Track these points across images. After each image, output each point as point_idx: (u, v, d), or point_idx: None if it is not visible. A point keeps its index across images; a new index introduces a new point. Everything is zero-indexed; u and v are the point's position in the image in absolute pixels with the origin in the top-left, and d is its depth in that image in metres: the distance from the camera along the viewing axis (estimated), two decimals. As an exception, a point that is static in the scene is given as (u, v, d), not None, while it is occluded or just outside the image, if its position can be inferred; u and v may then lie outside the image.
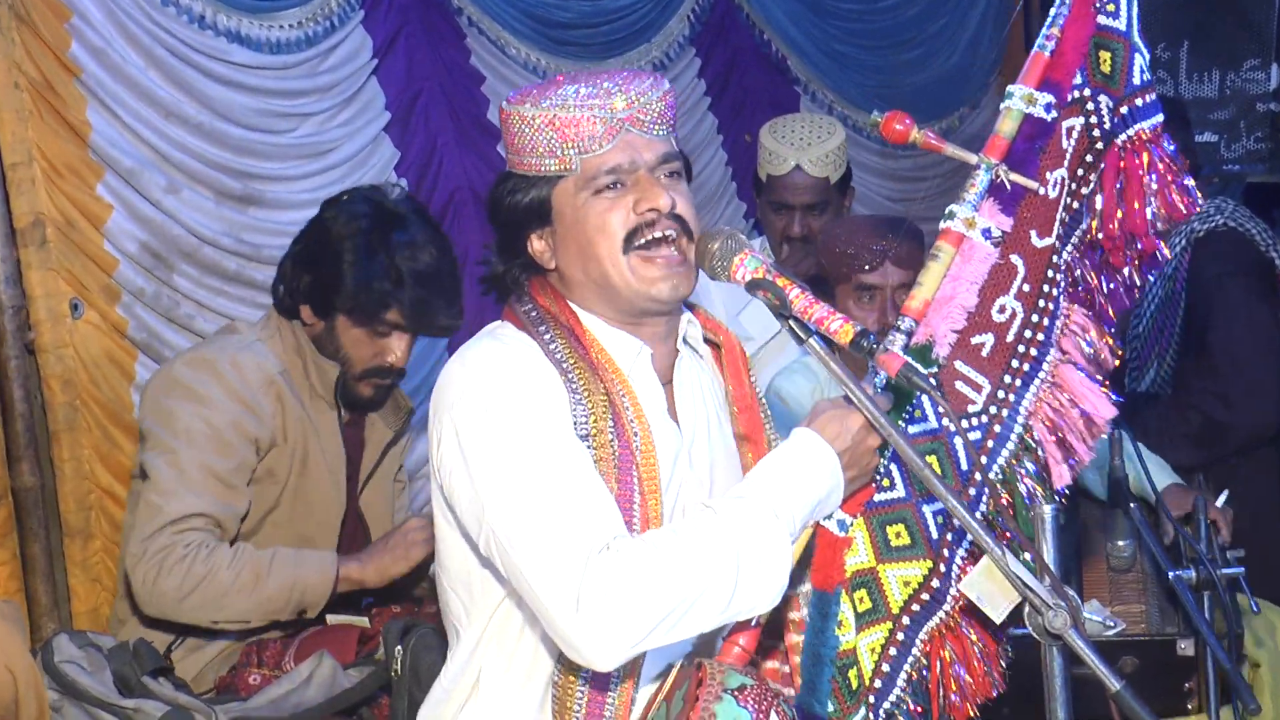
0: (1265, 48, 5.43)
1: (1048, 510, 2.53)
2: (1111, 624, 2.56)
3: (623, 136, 2.57)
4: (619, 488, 2.51)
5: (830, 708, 2.61)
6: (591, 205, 2.58)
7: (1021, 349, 2.70)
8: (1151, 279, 4.45)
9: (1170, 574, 3.23)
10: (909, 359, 2.54)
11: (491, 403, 2.50)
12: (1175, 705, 3.48)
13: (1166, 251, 2.76)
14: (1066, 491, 2.73)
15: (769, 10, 6.02)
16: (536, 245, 2.66)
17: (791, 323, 2.54)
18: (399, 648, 3.19)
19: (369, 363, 3.63)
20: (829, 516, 2.63)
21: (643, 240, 2.58)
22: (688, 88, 5.71)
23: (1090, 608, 2.53)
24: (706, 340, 2.81)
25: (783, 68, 6.05)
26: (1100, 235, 2.70)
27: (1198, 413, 4.44)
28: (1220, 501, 3.76)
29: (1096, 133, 2.70)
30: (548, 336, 2.59)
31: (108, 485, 4.23)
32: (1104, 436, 3.69)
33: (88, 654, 3.32)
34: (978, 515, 2.51)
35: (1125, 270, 2.74)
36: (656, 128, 2.61)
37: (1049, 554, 2.50)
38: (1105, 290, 2.74)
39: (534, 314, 2.63)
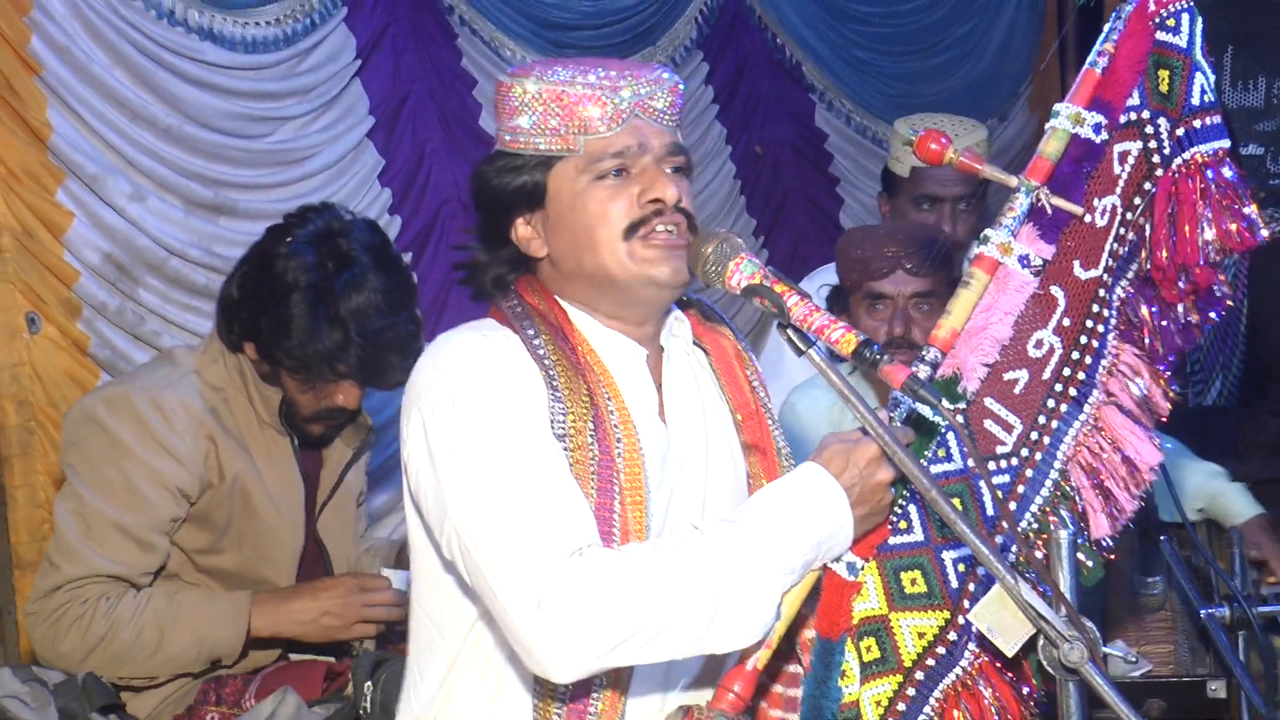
0: (1314, 54, 5.20)
1: (1064, 535, 2.33)
2: (1134, 660, 2.32)
3: (631, 122, 2.44)
4: (598, 495, 2.36)
5: None
6: (592, 192, 2.43)
7: (1059, 388, 2.51)
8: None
9: (1202, 611, 2.99)
10: (914, 371, 2.29)
11: (462, 394, 2.36)
12: None
13: (1226, 287, 2.57)
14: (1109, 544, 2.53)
15: (783, 13, 5.79)
16: (522, 231, 2.50)
17: (790, 332, 2.35)
18: (369, 684, 3.01)
19: (317, 407, 3.41)
20: (838, 559, 2.44)
21: (646, 232, 2.44)
22: (694, 94, 5.48)
23: (1112, 645, 2.31)
24: (695, 343, 2.64)
25: (796, 74, 5.82)
26: (1149, 266, 2.52)
27: (1274, 419, 4.31)
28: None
29: (1156, 159, 2.51)
30: (531, 332, 2.45)
31: (63, 514, 4.01)
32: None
33: (31, 689, 3.16)
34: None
35: (1179, 307, 2.55)
36: (665, 118, 2.48)
37: (1065, 582, 2.32)
38: (1158, 329, 2.54)
39: (519, 309, 2.49)
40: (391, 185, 4.77)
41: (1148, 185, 2.51)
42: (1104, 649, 2.26)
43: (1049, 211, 2.48)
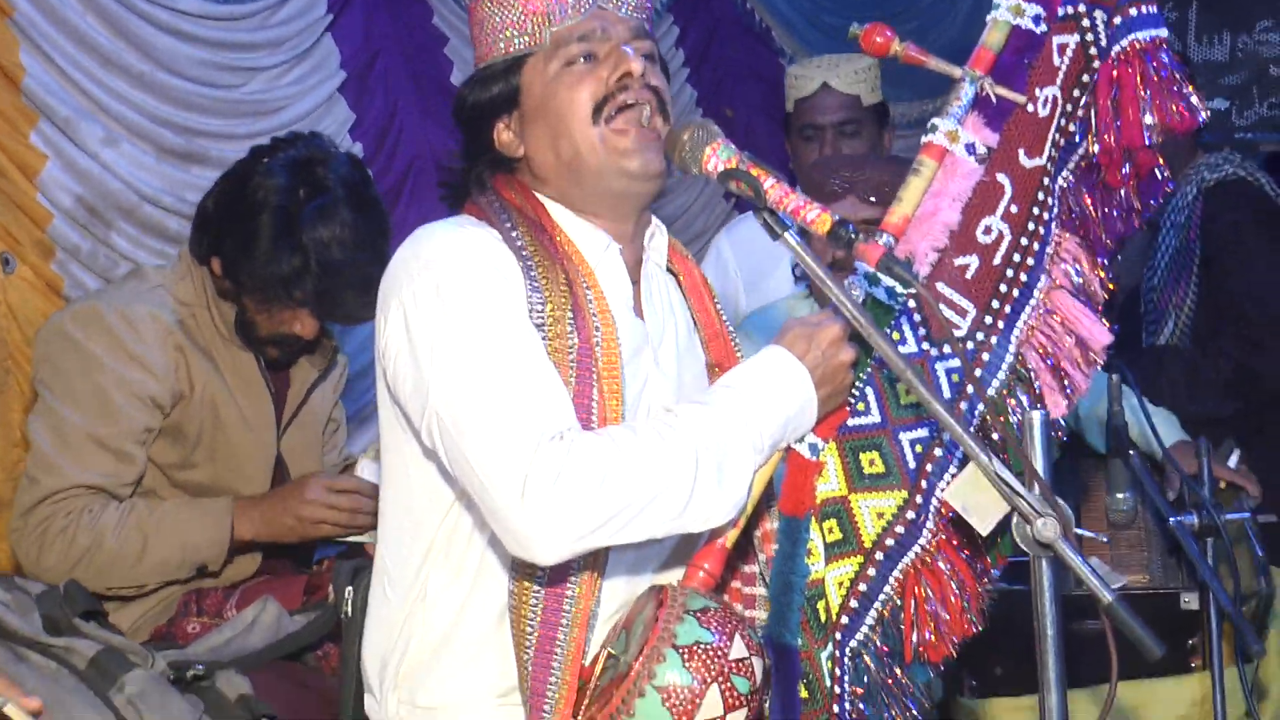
0: (1278, 8, 5.21)
1: (1036, 416, 2.34)
2: (1104, 540, 2.34)
3: (594, 10, 2.48)
4: (576, 382, 2.38)
5: (799, 641, 2.46)
6: (561, 77, 2.47)
7: (1010, 273, 2.56)
8: (1165, 229, 4.35)
9: (1171, 519, 3.02)
10: (890, 248, 2.33)
11: (442, 282, 2.37)
12: (1179, 663, 3.35)
13: (1167, 170, 2.64)
14: (1065, 437, 2.63)
15: (752, -23, 5.81)
16: (504, 136, 2.54)
17: (766, 215, 2.38)
18: (349, 589, 2.98)
19: (274, 330, 3.42)
20: (801, 440, 2.48)
21: (614, 109, 2.46)
22: (665, 57, 5.47)
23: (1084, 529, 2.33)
24: (667, 269, 2.68)
25: (766, 39, 5.84)
26: (1096, 150, 2.58)
27: (1228, 359, 4.36)
28: (1232, 462, 3.55)
29: (1093, 50, 2.58)
30: (509, 225, 2.47)
31: (40, 454, 3.99)
32: (1104, 385, 3.58)
33: (14, 597, 3.15)
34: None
35: (1122, 192, 2.61)
36: (627, 7, 2.51)
37: (1039, 461, 2.31)
38: (1101, 216, 2.61)
39: (496, 204, 2.51)
40: (363, 140, 4.75)
41: (1086, 77, 2.56)
42: (1077, 529, 2.29)
43: (994, 100, 2.53)
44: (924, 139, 2.55)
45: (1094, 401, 3.65)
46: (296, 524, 3.34)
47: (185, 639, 3.23)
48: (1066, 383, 2.55)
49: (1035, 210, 2.55)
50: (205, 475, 3.40)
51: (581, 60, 2.46)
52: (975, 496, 2.27)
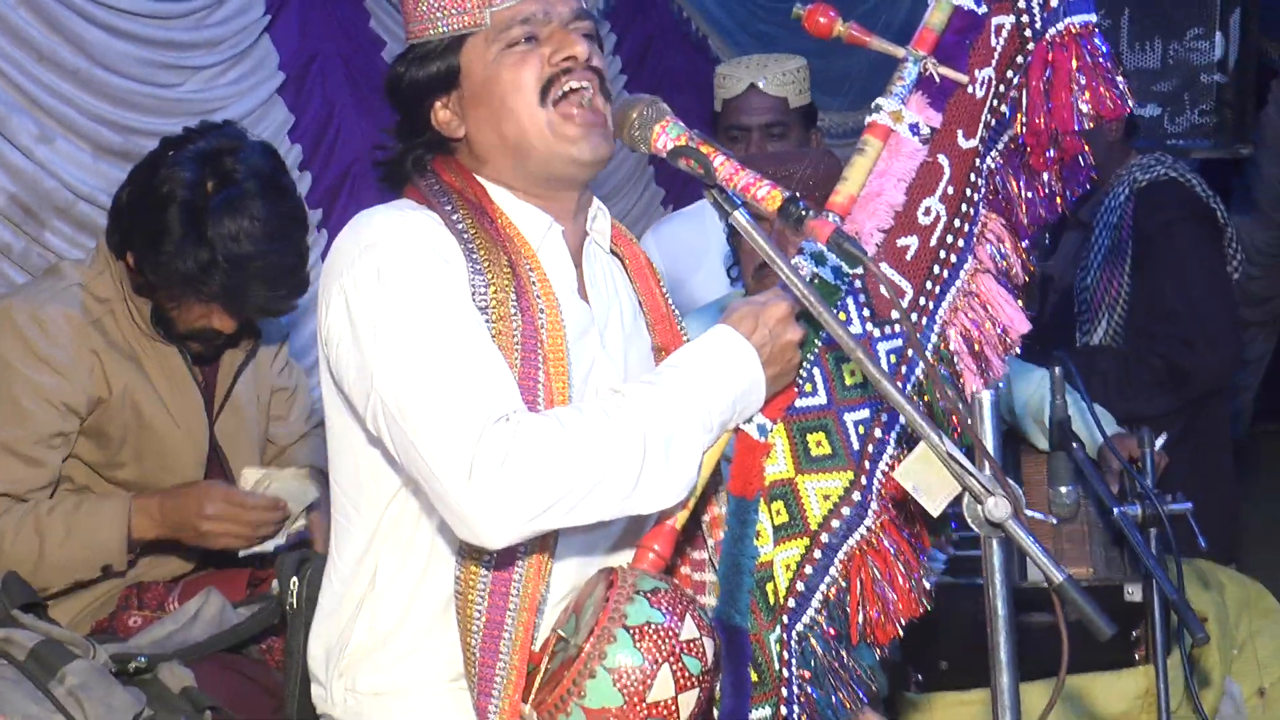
0: (1209, 16, 5.29)
1: (986, 396, 2.34)
2: (1054, 522, 2.33)
3: None
4: (522, 365, 2.35)
5: (748, 623, 2.43)
6: (504, 59, 2.44)
7: (943, 254, 2.57)
8: (1098, 229, 4.39)
9: (1115, 510, 3.03)
10: (838, 225, 2.32)
11: (383, 266, 2.34)
12: (1123, 656, 3.34)
13: (1090, 158, 2.64)
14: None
15: (689, -14, 5.83)
16: (441, 115, 2.50)
17: (715, 193, 2.37)
18: (294, 579, 2.96)
19: (191, 325, 3.33)
20: (749, 420, 2.45)
21: (560, 92, 2.44)
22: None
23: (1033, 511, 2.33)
24: (611, 250, 2.65)
25: (703, 47, 5.84)
26: (1024, 131, 2.59)
27: (1160, 359, 4.36)
28: (1158, 444, 3.57)
29: (1028, 32, 2.58)
30: (449, 208, 2.44)
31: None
32: (1038, 379, 3.60)
33: None
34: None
35: (1045, 175, 2.63)
36: None
37: (988, 441, 2.33)
38: (1025, 200, 2.62)
39: (436, 187, 2.48)
40: (301, 141, 4.74)
41: (1020, 58, 2.57)
42: (1026, 510, 2.29)
43: (937, 80, 2.52)
44: (868, 119, 2.54)
45: (1030, 395, 3.67)
46: (195, 536, 3.26)
47: (127, 632, 3.17)
48: (984, 366, 2.56)
49: (967, 191, 2.56)
50: (133, 474, 3.33)
51: (523, 41, 2.44)
52: (925, 476, 2.23)
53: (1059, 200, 2.64)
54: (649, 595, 2.24)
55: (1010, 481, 2.22)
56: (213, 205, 3.18)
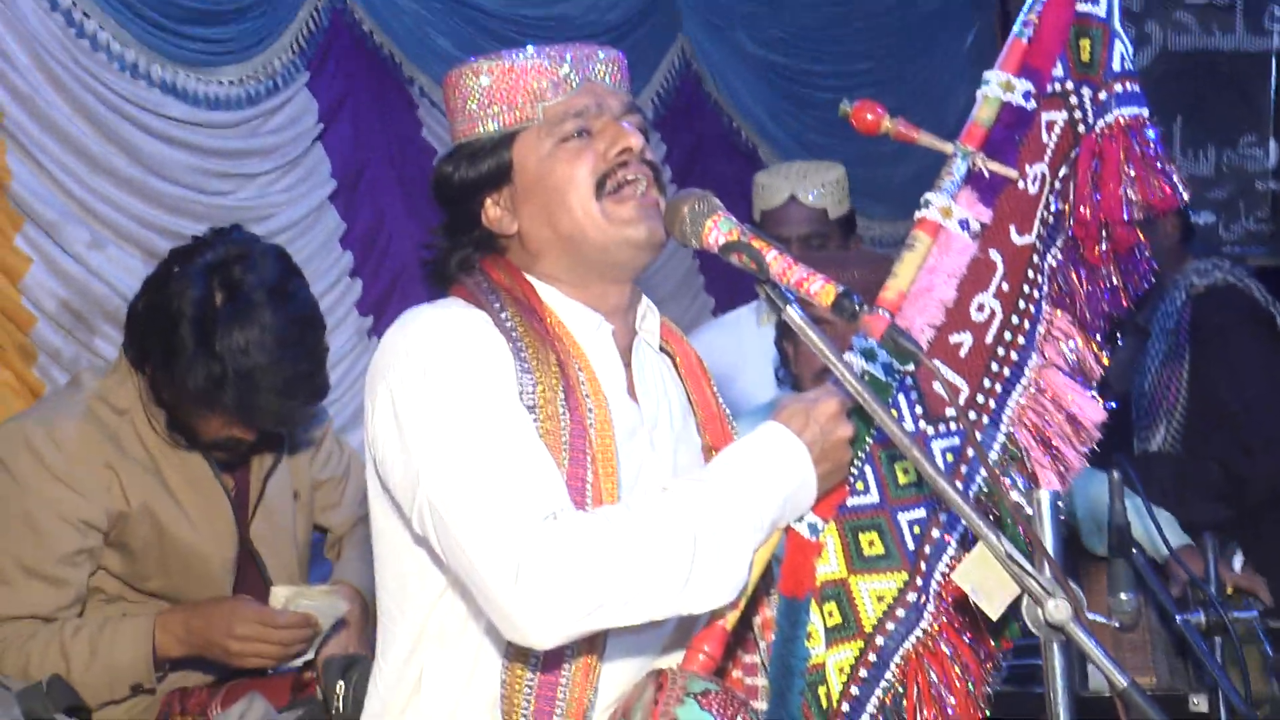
0: (1262, 123, 5.29)
1: (1045, 495, 2.29)
2: (1116, 625, 2.28)
3: (585, 85, 2.45)
4: (570, 464, 2.32)
5: None
6: (557, 154, 2.43)
7: (1001, 351, 2.53)
8: (1154, 334, 4.34)
9: (1178, 617, 2.95)
10: (894, 321, 2.30)
11: (430, 365, 2.32)
12: None
13: (1147, 250, 2.61)
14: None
15: (739, 95, 5.85)
16: (493, 213, 2.48)
17: (768, 289, 2.34)
18: (340, 683, 2.94)
19: (213, 436, 3.27)
20: (800, 519, 2.41)
21: (615, 184, 2.42)
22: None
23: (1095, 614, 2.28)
24: (661, 349, 2.62)
25: (753, 157, 5.85)
26: (1071, 224, 2.57)
27: (1218, 466, 4.31)
28: (1237, 566, 3.50)
29: (1081, 128, 2.58)
30: (497, 306, 2.41)
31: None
32: (1099, 486, 3.53)
33: None
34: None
35: (1104, 269, 2.59)
36: (617, 80, 2.50)
37: (1048, 541, 2.30)
38: (1086, 294, 2.59)
39: (484, 285, 2.45)
40: (353, 248, 4.76)
41: (1073, 154, 2.55)
42: (1088, 614, 2.23)
43: (986, 175, 2.50)
44: (917, 214, 2.52)
45: (1090, 502, 3.60)
46: (225, 656, 3.19)
47: None
48: (1059, 460, 2.51)
49: (1025, 288, 2.53)
50: (161, 585, 3.28)
51: (576, 136, 2.43)
52: (983, 577, 2.17)
53: (1122, 293, 2.59)
54: (699, 697, 2.20)
55: (1071, 583, 2.18)
56: (221, 318, 3.11)
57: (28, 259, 3.98)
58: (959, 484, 2.45)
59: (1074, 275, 2.57)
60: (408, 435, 2.30)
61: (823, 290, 2.29)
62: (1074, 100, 2.56)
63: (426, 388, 2.30)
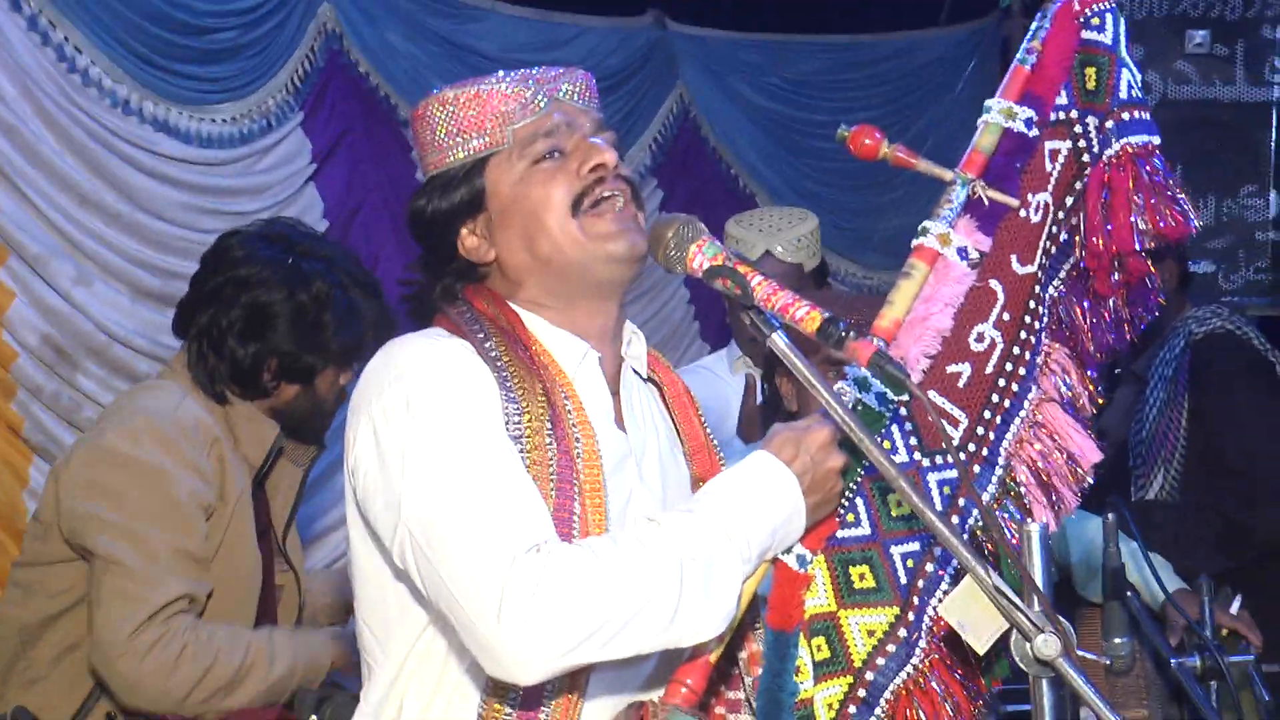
0: (1263, 173, 5.26)
1: (1034, 529, 2.23)
2: (1107, 661, 2.22)
3: (553, 105, 2.40)
4: (557, 495, 2.27)
5: None
6: (530, 177, 2.38)
7: (1003, 383, 2.47)
8: (1153, 381, 4.29)
9: (1173, 662, 2.89)
10: (881, 346, 2.23)
11: (413, 395, 2.26)
12: None
13: (1158, 280, 2.54)
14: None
15: (737, 144, 5.83)
16: (469, 242, 2.43)
17: (752, 314, 2.29)
18: (314, 717, 2.93)
19: (325, 396, 3.38)
20: (788, 551, 2.35)
21: (591, 201, 2.37)
22: (648, 221, 5.47)
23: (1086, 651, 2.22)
24: (648, 378, 2.57)
25: (750, 204, 5.81)
26: (1084, 255, 2.51)
27: (1218, 515, 4.21)
28: (1234, 608, 3.43)
29: (1086, 157, 2.52)
30: (481, 336, 2.36)
31: (-7, 597, 3.85)
32: (1092, 532, 3.48)
33: None
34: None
35: (1112, 302, 2.54)
36: (586, 98, 2.45)
37: (1038, 576, 2.21)
38: (1090, 326, 2.53)
39: (468, 314, 2.41)
40: (344, 289, 4.71)
41: (1078, 184, 2.50)
42: (1079, 650, 2.17)
43: (986, 203, 2.45)
44: (915, 242, 2.47)
45: (1085, 547, 3.55)
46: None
47: None
48: (1055, 498, 2.46)
49: (1027, 319, 2.48)
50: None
51: (548, 157, 2.38)
52: (972, 612, 2.14)
53: (1127, 326, 2.54)
54: None
55: (1061, 619, 2.12)
56: (354, 291, 3.34)
57: (10, 293, 3.95)
58: (956, 519, 2.39)
59: (1077, 308, 2.52)
60: (389, 464, 2.24)
61: (808, 316, 2.23)
62: (1079, 129, 2.51)
63: (409, 417, 2.24)
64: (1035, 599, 2.12)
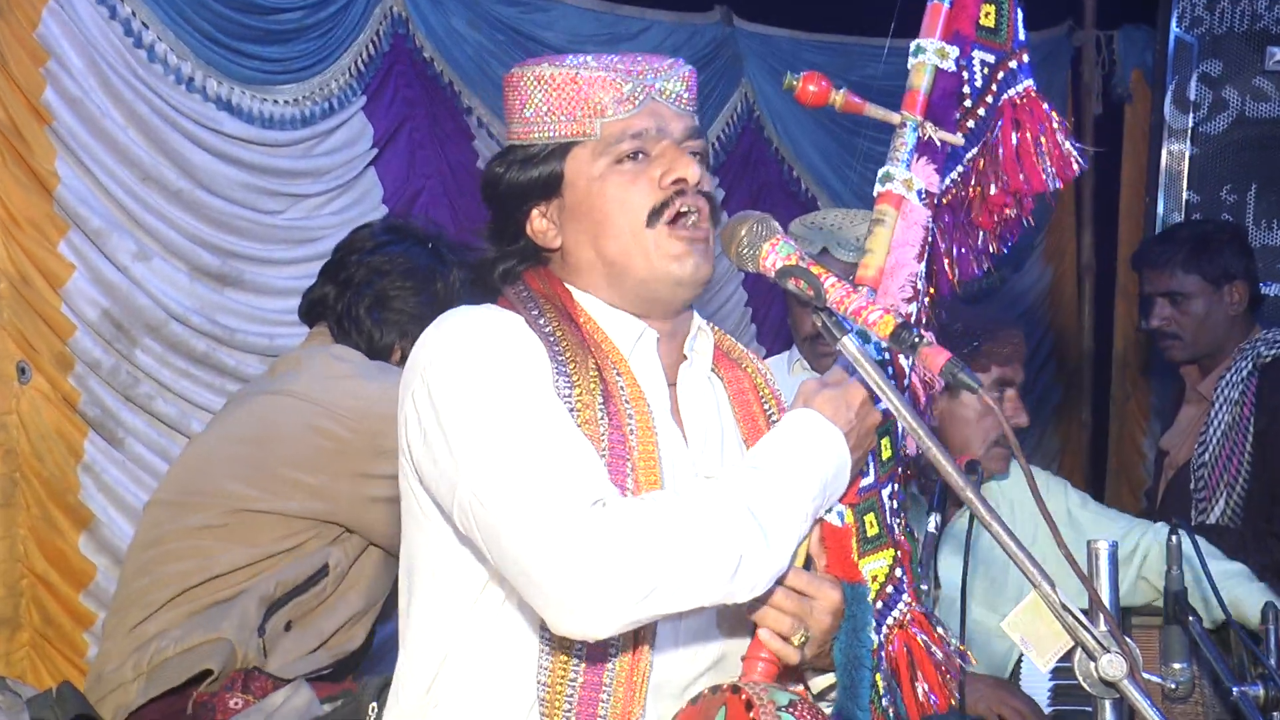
0: (1339, 194, 5.13)
1: (1104, 546, 2.18)
2: (1173, 687, 2.17)
3: (648, 104, 2.36)
4: (610, 474, 2.25)
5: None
6: (610, 176, 2.35)
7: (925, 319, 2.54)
8: (1218, 404, 4.23)
9: (1234, 690, 2.82)
10: (954, 357, 2.23)
11: (469, 361, 2.27)
12: None
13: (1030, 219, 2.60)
14: None
15: (799, 145, 5.77)
16: (538, 224, 2.42)
17: (824, 316, 2.28)
18: (374, 705, 2.97)
19: None
20: (829, 509, 2.36)
21: (670, 215, 2.34)
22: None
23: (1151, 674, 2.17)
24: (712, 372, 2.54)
25: (811, 206, 5.75)
26: (993, 191, 2.53)
27: (1279, 543, 4.14)
28: None
29: (965, 89, 2.53)
30: (535, 312, 2.36)
31: (43, 572, 3.85)
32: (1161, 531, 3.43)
33: (6, 698, 3.05)
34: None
35: (981, 234, 2.57)
36: (681, 101, 2.40)
37: (1104, 594, 2.17)
38: (955, 254, 2.56)
39: (524, 293, 2.41)
40: (401, 275, 4.68)
41: (970, 123, 2.51)
42: (1144, 673, 2.12)
43: (937, 144, 2.46)
44: (878, 189, 2.49)
45: (1147, 548, 3.53)
46: None
47: (226, 713, 3.11)
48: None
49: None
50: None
51: (631, 158, 2.34)
52: (1036, 628, 2.13)
53: (987, 258, 2.58)
54: (790, 709, 2.12)
55: (1127, 639, 2.08)
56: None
57: (70, 266, 3.93)
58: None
59: (942, 239, 2.53)
60: (448, 429, 2.24)
61: (881, 320, 2.23)
62: (961, 62, 2.51)
63: (464, 382, 2.25)
64: (1101, 617, 2.10)
